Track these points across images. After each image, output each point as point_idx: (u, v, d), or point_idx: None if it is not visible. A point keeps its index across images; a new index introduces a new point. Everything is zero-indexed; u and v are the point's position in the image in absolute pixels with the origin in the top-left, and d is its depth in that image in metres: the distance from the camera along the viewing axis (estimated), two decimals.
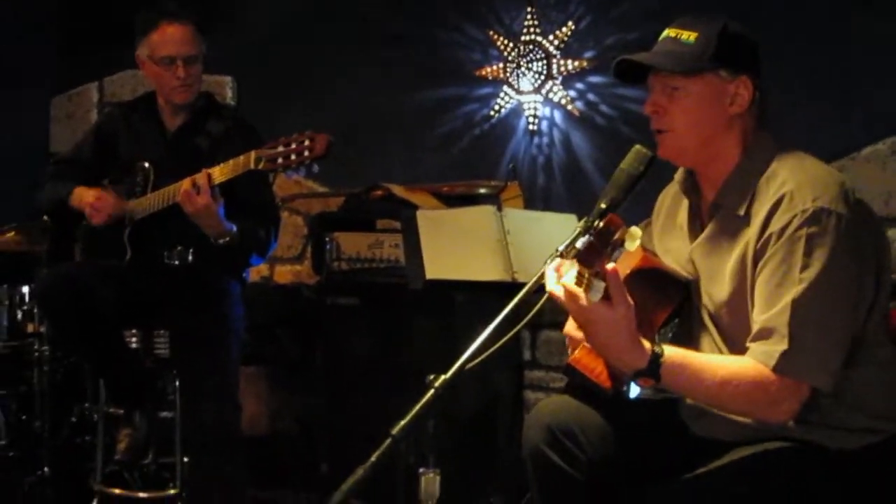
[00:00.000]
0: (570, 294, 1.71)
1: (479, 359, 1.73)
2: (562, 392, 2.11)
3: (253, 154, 2.91)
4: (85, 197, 3.23)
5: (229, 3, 4.63)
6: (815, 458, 1.81)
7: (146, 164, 3.23)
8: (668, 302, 1.97)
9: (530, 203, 3.82)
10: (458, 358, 1.71)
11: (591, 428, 2.00)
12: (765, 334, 1.79)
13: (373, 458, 1.58)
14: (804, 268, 1.76)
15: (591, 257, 1.67)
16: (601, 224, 1.70)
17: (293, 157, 2.86)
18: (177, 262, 3.17)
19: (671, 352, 1.78)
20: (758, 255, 1.82)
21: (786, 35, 3.41)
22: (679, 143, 1.94)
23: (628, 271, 1.93)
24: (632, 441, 2.00)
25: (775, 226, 1.79)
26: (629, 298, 1.72)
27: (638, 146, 1.93)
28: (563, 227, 3.14)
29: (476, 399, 3.43)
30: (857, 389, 1.82)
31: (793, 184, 1.81)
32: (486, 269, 3.01)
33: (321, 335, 3.81)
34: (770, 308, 1.79)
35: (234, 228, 3.05)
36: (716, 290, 1.92)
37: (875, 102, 3.43)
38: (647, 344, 1.75)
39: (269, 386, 4.05)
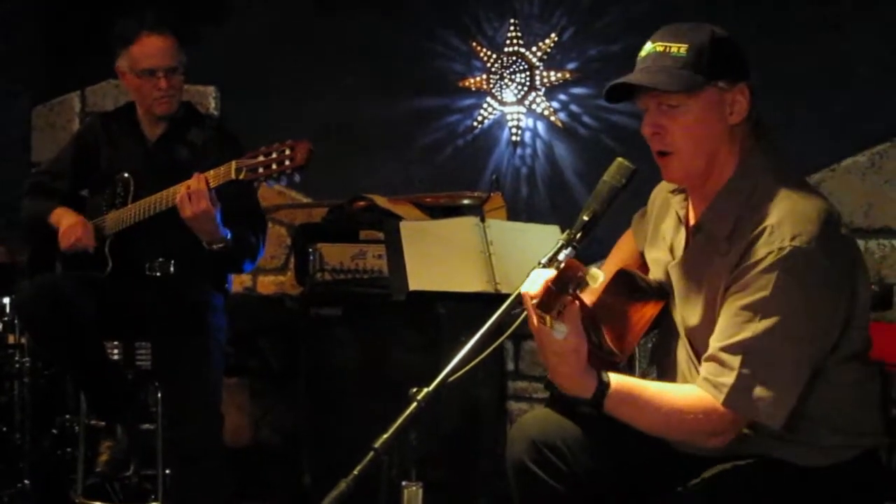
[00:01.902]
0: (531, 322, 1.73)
1: (462, 371, 1.73)
2: (545, 405, 2.11)
3: (234, 164, 2.90)
4: (63, 221, 3.20)
5: (212, 13, 4.61)
6: (789, 475, 1.81)
7: (126, 175, 3.22)
8: (649, 312, 1.97)
9: (513, 214, 3.82)
10: (441, 370, 1.71)
11: (573, 441, 1.99)
12: (716, 362, 1.79)
13: (355, 472, 1.57)
14: (767, 310, 1.74)
15: (550, 303, 1.67)
16: (558, 271, 1.68)
17: (274, 166, 2.85)
18: (158, 274, 3.15)
19: (618, 384, 1.77)
20: (729, 284, 1.81)
21: (766, 47, 3.43)
22: (686, 165, 1.88)
23: (609, 279, 1.93)
24: (613, 455, 2.00)
25: (752, 258, 1.77)
26: (582, 332, 1.73)
27: (620, 159, 1.90)
28: (546, 239, 3.14)
29: (459, 410, 3.42)
30: (828, 408, 1.82)
31: (775, 217, 1.77)
32: (469, 281, 3.01)
33: (304, 346, 3.80)
34: (725, 338, 1.78)
35: (230, 235, 3.04)
36: (688, 313, 1.91)
37: (855, 115, 3.45)
38: (595, 376, 1.77)
39: (251, 397, 4.03)
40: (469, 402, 3.47)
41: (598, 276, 1.68)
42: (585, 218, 1.86)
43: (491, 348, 1.78)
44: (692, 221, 1.96)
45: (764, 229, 1.77)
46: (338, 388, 3.67)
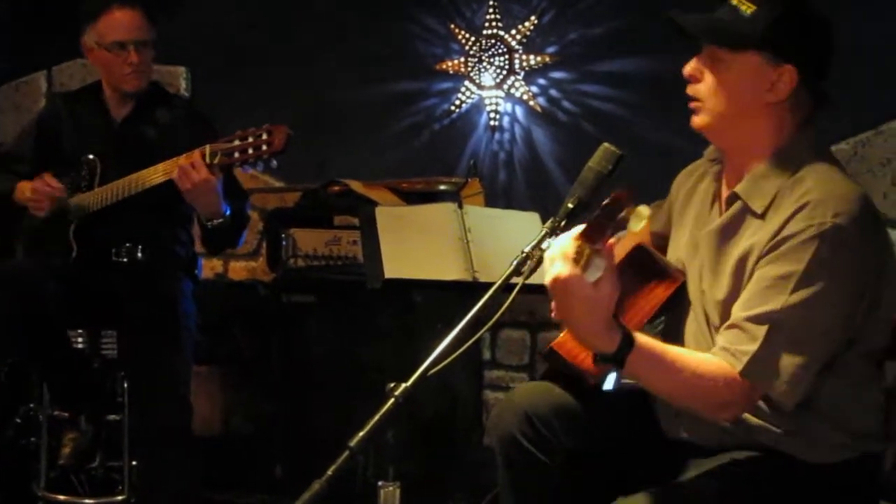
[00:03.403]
0: (566, 264, 1.62)
1: (441, 365, 1.65)
2: (542, 378, 2.05)
3: (208, 148, 2.83)
4: (27, 192, 3.11)
5: None
6: (787, 469, 1.77)
7: (92, 157, 3.12)
8: (660, 293, 1.90)
9: (491, 200, 3.77)
10: (417, 362, 1.63)
11: (568, 416, 1.95)
12: (739, 330, 1.74)
13: (329, 472, 1.49)
14: (800, 283, 1.70)
15: (595, 233, 1.59)
16: (608, 199, 1.59)
17: (250, 150, 2.78)
18: (125, 260, 3.07)
19: (643, 342, 1.70)
20: (763, 255, 1.76)
21: None
22: (710, 118, 1.84)
23: (623, 255, 1.87)
24: (607, 434, 1.96)
25: (789, 230, 1.73)
26: (616, 275, 1.64)
27: (606, 144, 1.83)
28: (525, 226, 3.08)
29: (435, 400, 3.38)
30: (832, 403, 1.78)
31: (818, 194, 1.73)
32: (446, 269, 2.93)
33: (277, 333, 3.74)
34: (751, 308, 1.73)
35: (229, 211, 2.95)
36: (716, 286, 1.85)
37: (839, 104, 3.41)
38: (620, 329, 1.68)
39: (222, 386, 3.94)
40: (445, 392, 3.42)
41: (644, 214, 1.62)
42: (570, 205, 1.78)
43: (473, 339, 1.71)
44: (725, 194, 1.90)
45: (806, 204, 1.72)
46: (310, 376, 3.63)
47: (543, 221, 3.08)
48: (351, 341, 3.56)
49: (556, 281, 1.63)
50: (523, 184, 3.99)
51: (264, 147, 2.77)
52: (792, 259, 1.71)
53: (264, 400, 3.78)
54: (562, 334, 1.85)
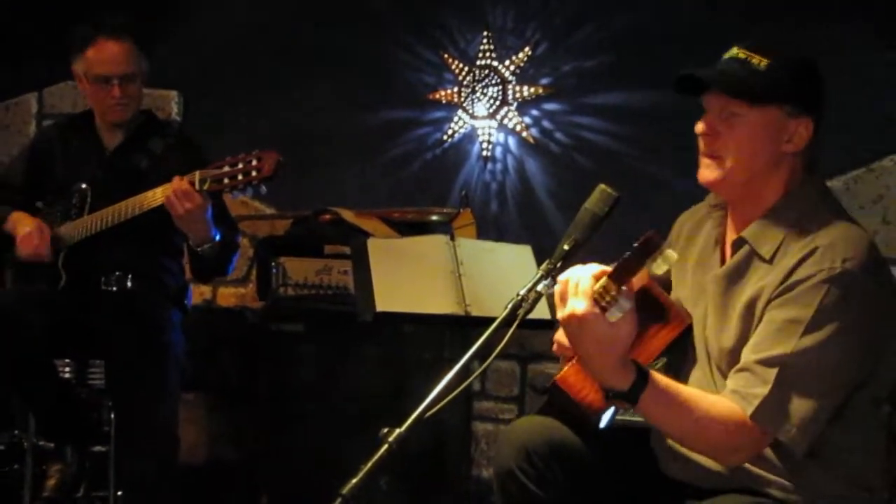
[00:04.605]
0: (584, 301, 1.62)
1: (435, 409, 1.64)
2: (539, 412, 2.03)
3: (198, 174, 2.82)
4: (18, 227, 3.07)
5: (175, 15, 4.50)
6: None
7: (83, 185, 3.10)
8: (665, 336, 1.89)
9: (482, 230, 3.75)
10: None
11: (567, 452, 1.94)
12: (749, 373, 1.74)
13: None
14: (810, 327, 1.70)
15: (623, 274, 1.59)
16: (640, 241, 1.60)
17: (240, 177, 2.78)
18: (115, 289, 3.05)
19: (657, 380, 1.70)
20: (772, 300, 1.76)
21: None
22: (727, 174, 1.83)
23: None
24: (606, 471, 1.95)
25: (799, 275, 1.73)
26: (635, 315, 1.64)
27: (603, 186, 1.82)
28: (517, 259, 3.08)
29: (424, 431, 3.33)
30: (837, 450, 1.77)
31: (826, 239, 1.75)
32: (438, 302, 2.92)
33: (265, 361, 3.71)
34: (761, 351, 1.73)
35: (219, 236, 2.94)
36: (723, 332, 1.85)
37: (830, 141, 3.39)
38: (634, 366, 1.68)
39: (209, 413, 3.91)
40: (434, 424, 3.38)
41: (672, 258, 1.62)
42: (566, 247, 1.78)
43: (467, 382, 1.71)
44: (730, 238, 1.91)
45: (815, 249, 1.74)
46: (298, 405, 3.60)
47: (536, 254, 3.11)
48: (339, 371, 3.54)
49: (571, 317, 1.63)
50: (515, 215, 3.97)
51: (254, 173, 2.76)
52: (802, 303, 1.71)
53: (251, 428, 3.76)
54: (565, 368, 1.83)
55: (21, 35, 4.68)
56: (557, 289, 1.68)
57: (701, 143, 1.86)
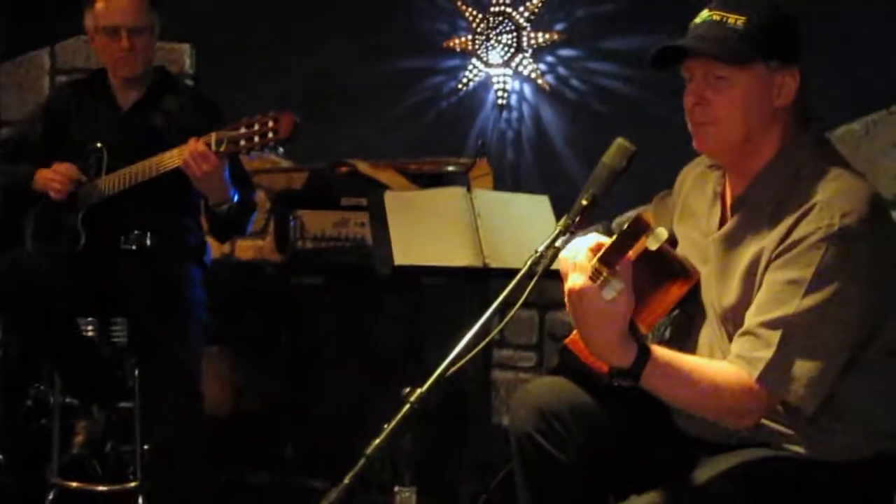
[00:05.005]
0: (582, 276, 1.62)
1: (456, 367, 1.65)
2: (552, 372, 2.06)
3: (213, 136, 2.81)
4: (47, 173, 3.07)
5: None
6: (803, 469, 1.77)
7: (99, 146, 3.09)
8: (675, 292, 1.89)
9: (499, 180, 3.74)
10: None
11: (582, 412, 1.95)
12: (753, 336, 1.73)
13: (346, 480, 1.49)
14: (811, 287, 1.69)
15: (613, 258, 1.60)
16: (628, 224, 1.60)
17: (256, 139, 2.77)
18: (134, 247, 3.05)
19: (659, 355, 1.69)
20: (772, 260, 1.75)
21: None
22: (722, 137, 1.82)
23: (639, 251, 1.86)
24: (621, 430, 1.96)
25: (798, 233, 1.72)
26: (632, 293, 1.63)
27: (621, 140, 1.81)
28: (534, 210, 3.07)
29: (443, 382, 3.36)
30: (850, 402, 1.77)
31: (824, 194, 1.73)
32: (456, 255, 2.92)
33: (285, 315, 3.74)
34: (764, 314, 1.73)
35: (237, 197, 2.95)
36: (725, 292, 1.84)
37: (851, 83, 3.38)
38: (636, 342, 1.67)
39: (232, 366, 3.96)
40: (453, 373, 3.41)
41: (662, 236, 1.61)
42: (584, 202, 1.77)
43: (487, 340, 1.72)
44: (730, 198, 1.90)
45: (813, 206, 1.72)
46: (319, 357, 3.64)
47: (553, 203, 3.10)
48: (359, 322, 3.56)
49: (571, 291, 1.63)
50: (531, 163, 3.96)
51: (270, 135, 2.75)
52: (802, 263, 1.70)
53: (273, 380, 3.80)
54: (575, 331, 1.84)
55: None
56: (560, 266, 1.69)
57: (691, 117, 1.84)
